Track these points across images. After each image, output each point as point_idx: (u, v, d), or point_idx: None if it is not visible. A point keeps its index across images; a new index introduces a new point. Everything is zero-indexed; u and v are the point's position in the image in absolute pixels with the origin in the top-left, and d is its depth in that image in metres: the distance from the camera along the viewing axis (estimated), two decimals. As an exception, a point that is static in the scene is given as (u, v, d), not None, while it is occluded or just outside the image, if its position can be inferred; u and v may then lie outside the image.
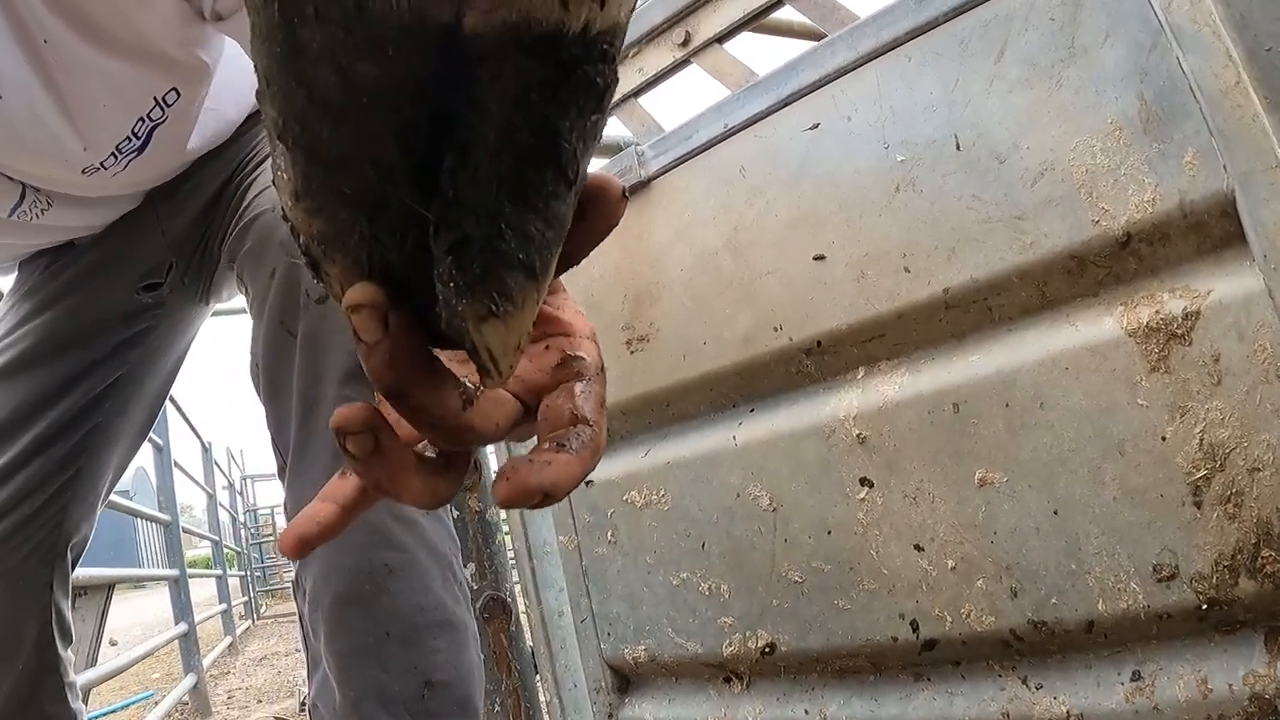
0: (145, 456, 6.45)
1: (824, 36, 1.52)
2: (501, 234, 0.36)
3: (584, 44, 0.34)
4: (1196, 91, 1.14)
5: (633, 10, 0.38)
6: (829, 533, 1.49)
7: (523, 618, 2.07)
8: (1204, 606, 1.16)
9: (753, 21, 1.60)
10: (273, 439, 1.27)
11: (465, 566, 1.94)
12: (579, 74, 0.35)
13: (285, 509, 1.26)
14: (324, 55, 0.32)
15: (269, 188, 1.35)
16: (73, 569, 1.55)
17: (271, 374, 1.26)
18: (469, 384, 0.42)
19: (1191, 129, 1.15)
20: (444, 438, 0.41)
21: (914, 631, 1.41)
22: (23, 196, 1.31)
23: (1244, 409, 1.12)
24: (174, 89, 1.28)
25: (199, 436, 9.18)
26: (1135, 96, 1.19)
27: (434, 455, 0.45)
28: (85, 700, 3.35)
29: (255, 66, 0.35)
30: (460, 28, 0.33)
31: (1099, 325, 1.24)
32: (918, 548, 1.40)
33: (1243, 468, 1.13)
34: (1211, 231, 1.16)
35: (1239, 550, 1.13)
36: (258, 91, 0.35)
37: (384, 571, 1.15)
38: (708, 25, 1.67)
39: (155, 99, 1.27)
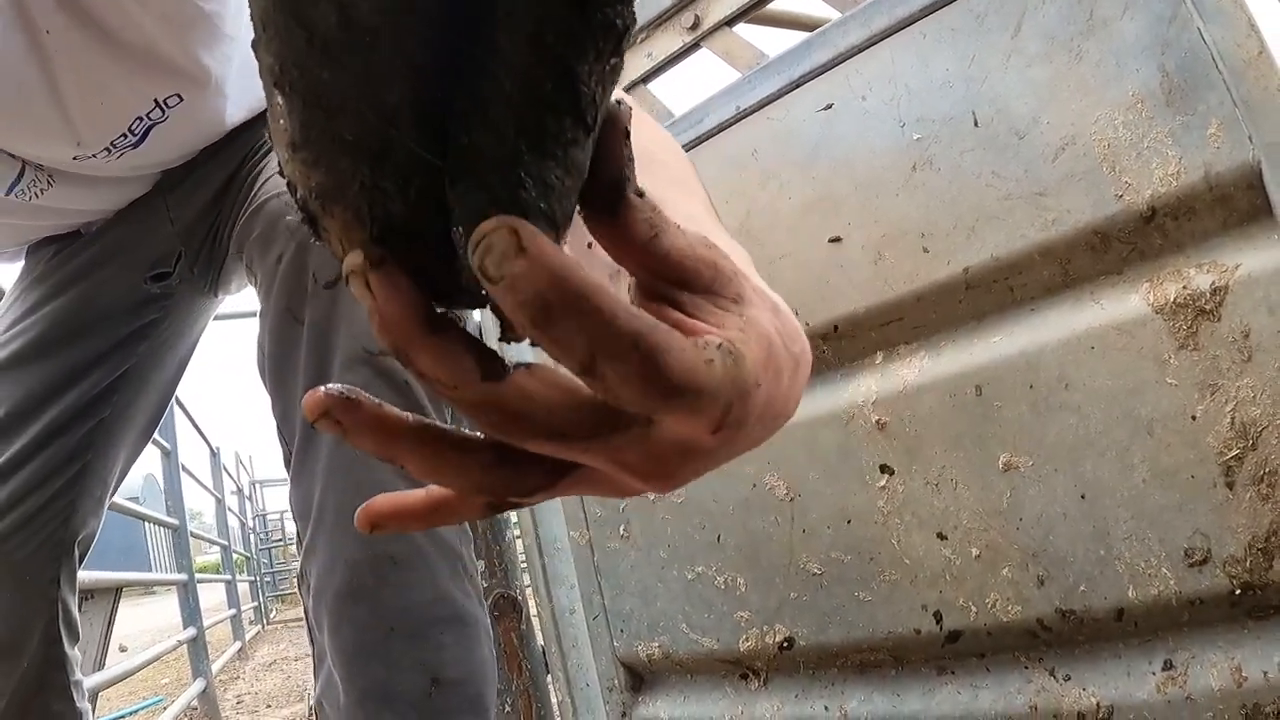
0: (153, 461, 6.44)
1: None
2: (521, 183, 0.34)
3: None
4: (1219, 62, 1.12)
5: None
6: (848, 522, 1.45)
7: (533, 616, 2.03)
8: (1237, 591, 1.13)
9: (763, 3, 1.56)
10: (278, 428, 1.23)
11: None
12: (598, 16, 0.33)
13: (290, 500, 1.22)
14: None
15: (275, 174, 1.32)
16: (80, 565, 1.52)
17: (278, 361, 1.22)
18: (510, 361, 0.37)
19: (1215, 100, 1.13)
20: (470, 413, 0.37)
21: (937, 623, 1.37)
22: (21, 174, 1.28)
23: (1276, 385, 1.10)
24: (176, 94, 1.25)
25: (207, 441, 9.16)
26: (1157, 68, 1.17)
27: (481, 439, 0.40)
28: (94, 704, 3.33)
29: (251, 12, 0.33)
30: None
31: (1124, 303, 1.21)
32: (941, 536, 1.36)
33: (1276, 446, 1.10)
34: (1238, 204, 1.13)
35: (1273, 532, 1.10)
36: (253, 40, 0.34)
37: (388, 564, 1.11)
38: (717, 8, 1.63)
39: (156, 101, 1.24)
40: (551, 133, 0.34)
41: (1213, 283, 1.14)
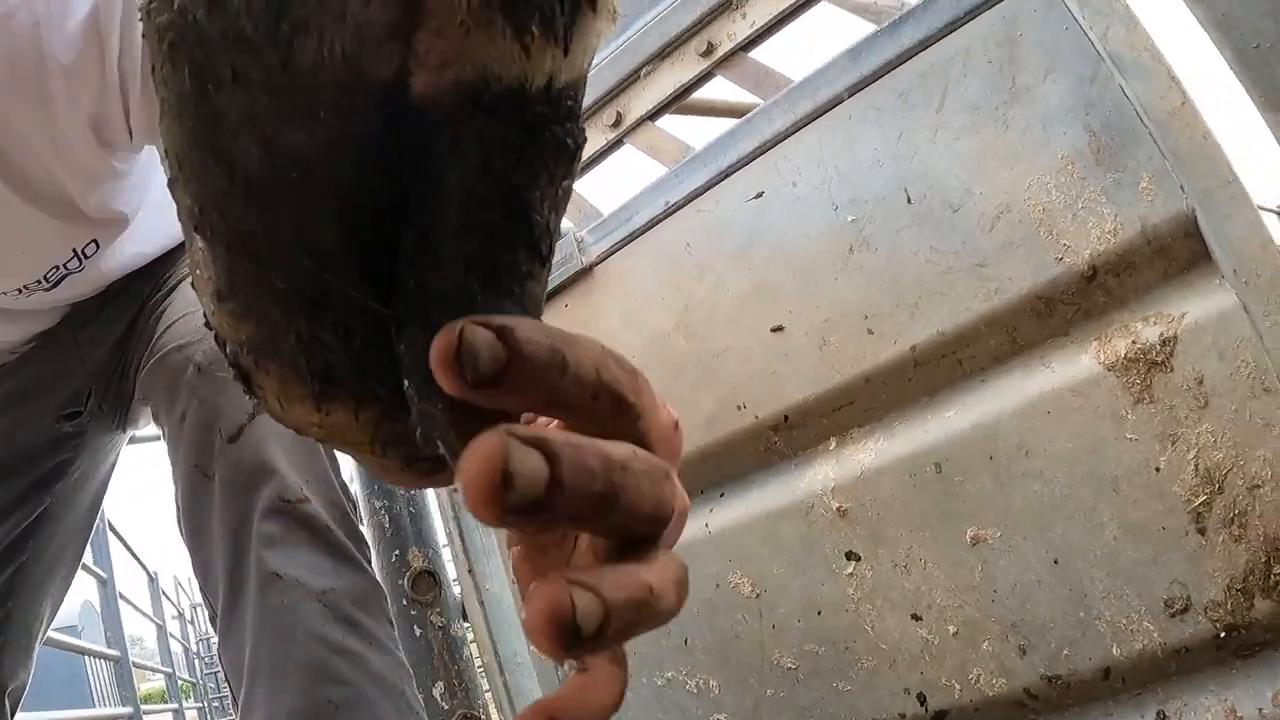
0: (90, 590, 6.13)
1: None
2: None
3: (549, 101, 0.29)
4: (1144, 116, 1.08)
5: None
6: (819, 613, 1.35)
7: (498, 730, 1.87)
8: (1222, 634, 1.07)
9: (684, 96, 1.48)
10: (201, 588, 1.17)
11: (434, 685, 1.77)
12: (547, 135, 0.30)
13: (220, 660, 1.13)
14: (245, 125, 0.27)
15: (180, 318, 1.26)
16: (12, 717, 1.41)
17: (193, 520, 1.16)
18: None
19: (1144, 155, 1.09)
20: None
21: (922, 705, 1.27)
22: None
23: (1235, 427, 1.05)
24: (94, 240, 1.21)
25: (144, 566, 8.78)
26: (1083, 129, 1.12)
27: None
28: None
29: (165, 152, 0.29)
30: (407, 89, 0.28)
31: (1076, 364, 1.16)
32: (915, 617, 1.27)
33: (1242, 487, 1.04)
34: (1177, 254, 1.10)
35: (1250, 571, 1.05)
36: (169, 180, 0.30)
37: (329, 710, 1.02)
38: (639, 104, 1.55)
39: (75, 250, 1.20)
40: (506, 267, 0.31)
41: (1161, 334, 1.09)
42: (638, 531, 0.31)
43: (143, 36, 0.29)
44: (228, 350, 0.33)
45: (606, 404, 0.31)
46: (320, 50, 0.26)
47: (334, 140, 0.28)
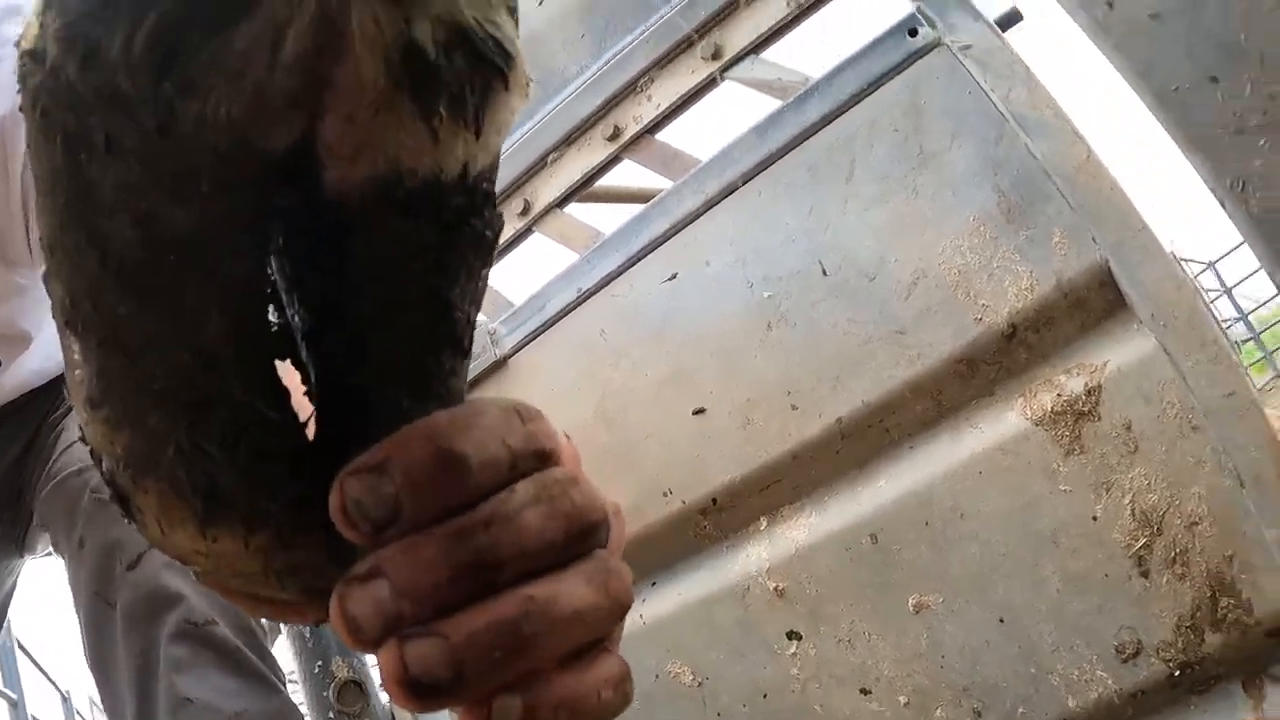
0: (1, 712, 5.76)
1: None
2: None
3: (466, 190, 0.26)
4: (1051, 173, 1.06)
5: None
6: (764, 696, 1.25)
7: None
8: (1176, 673, 1.03)
9: (592, 181, 1.40)
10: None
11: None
12: (465, 230, 0.27)
13: None
14: (119, 200, 0.22)
15: (79, 439, 1.12)
16: None
17: (97, 649, 1.09)
18: None
19: (1053, 210, 1.06)
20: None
21: (878, 780, 1.18)
22: None
23: (1167, 468, 1.02)
24: None
25: (56, 686, 8.23)
26: (992, 189, 1.09)
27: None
28: None
29: (41, 239, 0.24)
30: (316, 179, 0.24)
31: (1003, 422, 1.11)
32: (864, 691, 1.18)
33: (1180, 526, 1.02)
34: (1094, 305, 1.07)
35: (1197, 607, 1.01)
36: (44, 272, 0.25)
37: None
38: (547, 191, 1.45)
39: None
40: (430, 372, 0.29)
41: (1085, 384, 1.06)
42: (568, 553, 0.30)
43: (20, 110, 0.24)
44: (104, 468, 0.28)
45: (531, 463, 0.30)
46: (203, 112, 0.22)
47: (218, 218, 0.24)
